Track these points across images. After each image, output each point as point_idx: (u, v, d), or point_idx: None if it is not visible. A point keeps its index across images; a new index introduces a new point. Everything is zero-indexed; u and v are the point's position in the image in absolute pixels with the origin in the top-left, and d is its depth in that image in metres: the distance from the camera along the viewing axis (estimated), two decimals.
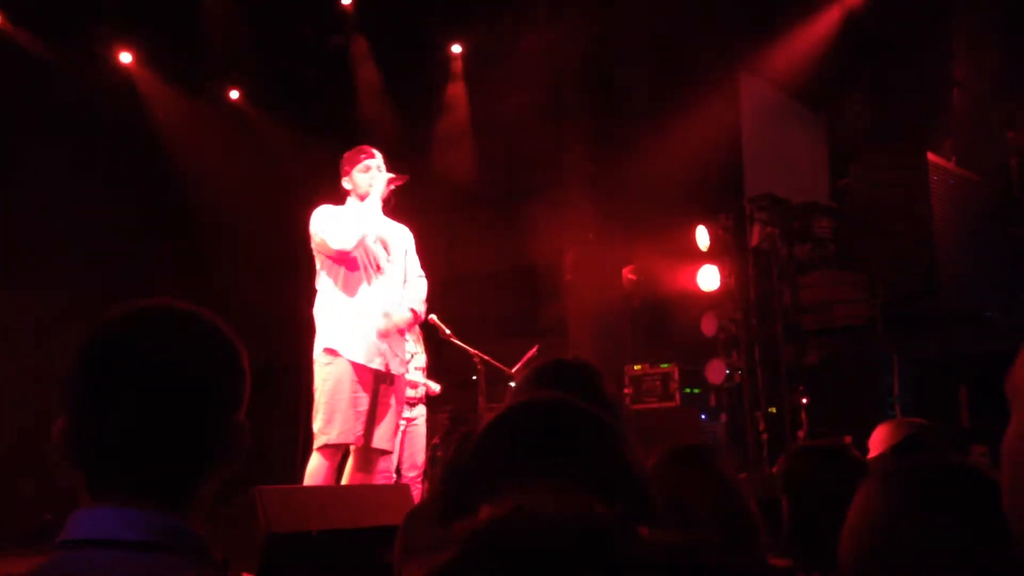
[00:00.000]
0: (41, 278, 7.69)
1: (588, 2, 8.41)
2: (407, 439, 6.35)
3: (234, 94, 9.37)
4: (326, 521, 3.60)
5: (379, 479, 5.95)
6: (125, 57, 8.74)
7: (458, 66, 9.48)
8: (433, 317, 6.47)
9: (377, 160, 4.94)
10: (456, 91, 9.51)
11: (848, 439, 5.29)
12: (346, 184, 4.93)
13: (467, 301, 7.90)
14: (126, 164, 8.56)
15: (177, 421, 1.26)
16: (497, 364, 6.64)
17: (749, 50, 8.30)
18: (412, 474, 6.30)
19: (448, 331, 6.42)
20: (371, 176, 4.88)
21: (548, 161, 9.24)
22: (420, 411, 6.49)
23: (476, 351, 6.73)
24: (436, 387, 6.78)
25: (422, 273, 5.13)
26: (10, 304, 7.47)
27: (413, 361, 6.41)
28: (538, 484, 0.98)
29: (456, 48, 9.42)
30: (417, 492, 6.28)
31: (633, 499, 1.03)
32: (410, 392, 6.41)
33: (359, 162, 4.90)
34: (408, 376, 6.34)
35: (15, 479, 7.18)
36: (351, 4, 8.96)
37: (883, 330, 7.42)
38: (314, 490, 4.38)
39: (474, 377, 7.01)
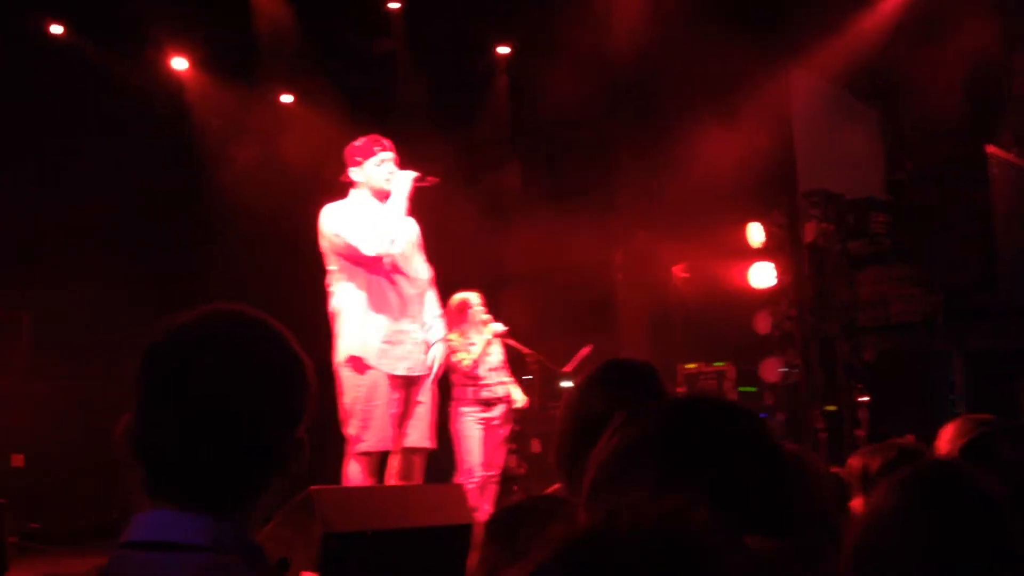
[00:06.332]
0: (99, 279, 7.85)
1: (634, 1, 8.35)
2: (486, 438, 6.27)
3: (287, 98, 9.45)
4: (382, 521, 3.61)
5: (460, 479, 5.92)
6: (180, 63, 8.88)
7: (504, 67, 9.48)
8: (485, 317, 6.44)
9: (392, 154, 4.68)
10: (503, 92, 9.50)
11: (911, 437, 5.19)
12: (356, 176, 4.66)
13: (518, 301, 7.89)
14: (179, 168, 8.71)
15: (238, 432, 1.27)
16: (550, 363, 6.61)
17: (800, 44, 8.18)
18: (490, 473, 6.26)
19: (503, 331, 6.39)
20: (388, 170, 4.63)
21: (597, 160, 9.20)
22: (499, 411, 6.37)
23: (530, 351, 6.70)
24: (520, 399, 6.41)
25: (428, 267, 4.88)
26: (72, 304, 7.64)
27: (488, 361, 6.31)
28: (709, 488, 0.97)
29: (503, 50, 9.43)
30: (492, 492, 6.25)
31: (797, 506, 1.02)
32: (488, 392, 6.31)
33: (373, 155, 4.64)
34: (484, 379, 6.27)
35: (80, 478, 7.32)
36: (399, 8, 9.01)
37: (942, 325, 7.27)
38: (369, 490, 4.40)
39: (527, 376, 6.98)
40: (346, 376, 4.58)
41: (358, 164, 4.67)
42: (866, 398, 7.09)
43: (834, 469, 3.41)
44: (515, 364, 6.70)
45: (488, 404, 6.24)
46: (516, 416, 6.48)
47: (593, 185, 9.03)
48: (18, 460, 7.31)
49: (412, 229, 4.81)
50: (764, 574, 0.69)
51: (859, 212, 7.73)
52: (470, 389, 6.19)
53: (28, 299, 7.81)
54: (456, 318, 6.13)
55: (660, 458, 1.02)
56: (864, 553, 1.35)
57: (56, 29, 8.23)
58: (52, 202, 8.03)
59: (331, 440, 4.58)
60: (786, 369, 7.61)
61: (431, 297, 4.89)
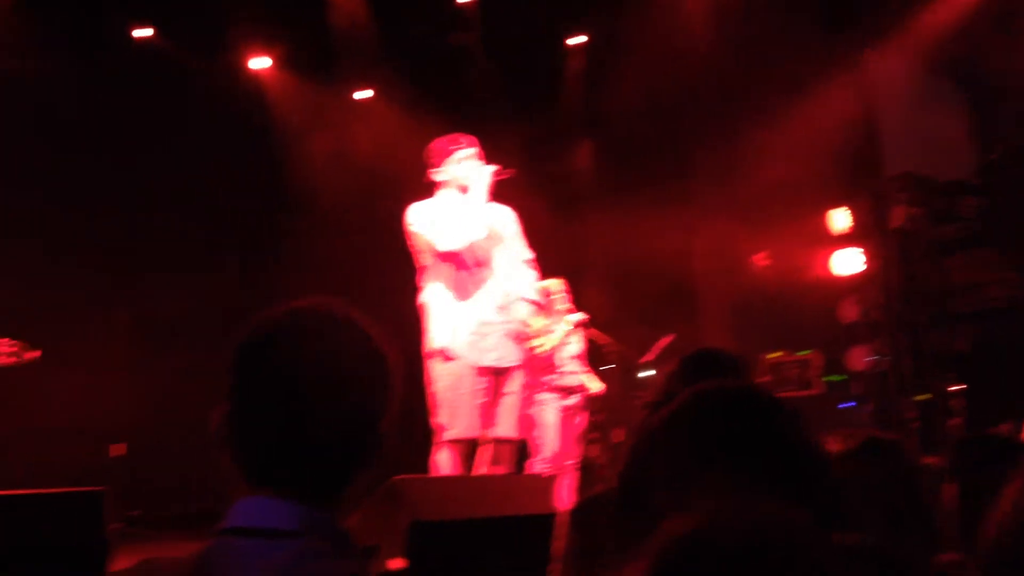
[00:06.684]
0: (193, 274, 8.11)
1: None
2: (563, 426, 6.29)
3: (363, 94, 9.56)
4: (467, 509, 3.65)
5: (536, 466, 5.99)
6: (260, 62, 9.06)
7: (579, 57, 9.45)
8: (566, 306, 6.43)
9: (473, 150, 4.75)
10: (578, 82, 9.48)
11: (1005, 428, 5.02)
12: (439, 176, 4.74)
13: (597, 290, 7.88)
14: (263, 165, 8.91)
15: (325, 426, 1.31)
16: (630, 353, 6.59)
17: (884, 24, 7.95)
18: (567, 462, 6.28)
19: (584, 320, 6.39)
20: (468, 167, 4.70)
21: (674, 148, 9.11)
22: (576, 400, 6.37)
23: (610, 339, 6.68)
24: (595, 386, 6.53)
25: (529, 255, 4.94)
26: (168, 298, 7.91)
27: (567, 350, 6.32)
28: (729, 480, 0.96)
29: (577, 40, 9.40)
30: (573, 480, 6.27)
31: (827, 500, 1.00)
32: (564, 381, 6.32)
33: (451, 154, 4.72)
34: (562, 367, 6.28)
35: (178, 466, 7.57)
36: (473, 2, 9.04)
37: None
38: (454, 480, 4.45)
39: (607, 366, 6.96)
40: (436, 366, 4.69)
41: (438, 165, 4.76)
42: (960, 387, 6.87)
43: (928, 459, 3.32)
44: (594, 354, 6.68)
45: (566, 392, 6.28)
46: (595, 405, 6.49)
47: (670, 173, 8.95)
48: (119, 449, 7.61)
49: (499, 219, 4.85)
50: (860, 572, 0.70)
51: (949, 196, 7.50)
52: (548, 376, 6.22)
53: (126, 294, 8.13)
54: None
55: (668, 451, 1.01)
56: (1002, 549, 1.31)
57: (141, 33, 8.49)
58: (146, 200, 8.32)
59: (419, 431, 4.66)
60: (874, 357, 7.43)
61: (526, 271, 4.93)
